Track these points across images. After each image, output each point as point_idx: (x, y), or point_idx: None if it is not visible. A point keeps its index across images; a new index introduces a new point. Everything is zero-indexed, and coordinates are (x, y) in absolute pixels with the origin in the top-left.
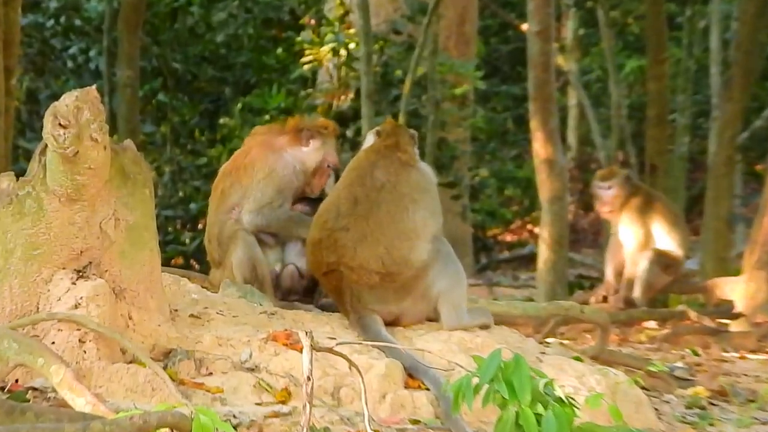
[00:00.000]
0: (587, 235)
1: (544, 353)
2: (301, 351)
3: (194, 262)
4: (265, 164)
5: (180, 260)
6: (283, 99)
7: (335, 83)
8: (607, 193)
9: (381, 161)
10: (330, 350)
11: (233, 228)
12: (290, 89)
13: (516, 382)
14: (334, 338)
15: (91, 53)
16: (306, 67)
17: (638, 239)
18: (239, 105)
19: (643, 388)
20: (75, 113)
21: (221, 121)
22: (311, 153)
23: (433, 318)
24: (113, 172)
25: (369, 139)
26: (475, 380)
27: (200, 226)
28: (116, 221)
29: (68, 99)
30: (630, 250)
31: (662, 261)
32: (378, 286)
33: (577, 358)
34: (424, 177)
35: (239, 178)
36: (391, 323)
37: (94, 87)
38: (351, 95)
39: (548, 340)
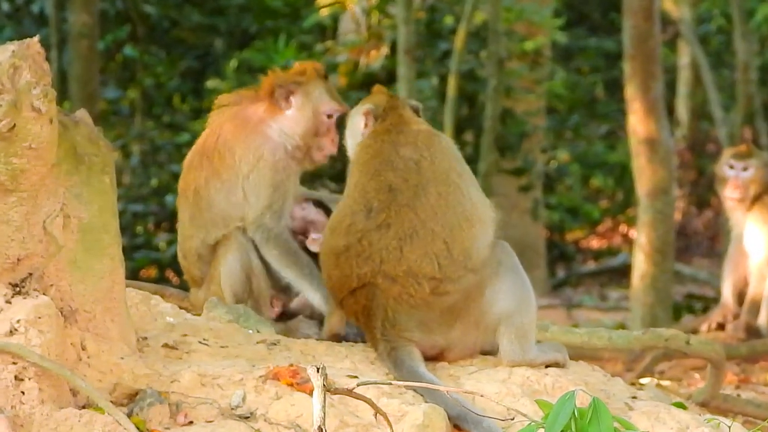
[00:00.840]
0: (701, 241)
1: (635, 398)
2: (310, 393)
3: (172, 274)
4: (247, 150)
5: (152, 271)
6: (293, 54)
7: (363, 34)
8: (742, 176)
9: (402, 137)
10: (350, 392)
11: (218, 230)
12: (303, 42)
13: None
14: (356, 376)
15: None
16: (324, 12)
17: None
18: (234, 62)
19: None
20: (10, 74)
21: (209, 84)
22: (296, 114)
23: (490, 351)
24: (62, 154)
25: (357, 122)
26: None
27: None
28: (66, 219)
29: (2, 55)
30: (758, 261)
31: None
32: (422, 306)
33: (680, 405)
34: (451, 144)
35: (216, 171)
36: (435, 358)
37: (36, 38)
38: (385, 50)
39: (643, 380)
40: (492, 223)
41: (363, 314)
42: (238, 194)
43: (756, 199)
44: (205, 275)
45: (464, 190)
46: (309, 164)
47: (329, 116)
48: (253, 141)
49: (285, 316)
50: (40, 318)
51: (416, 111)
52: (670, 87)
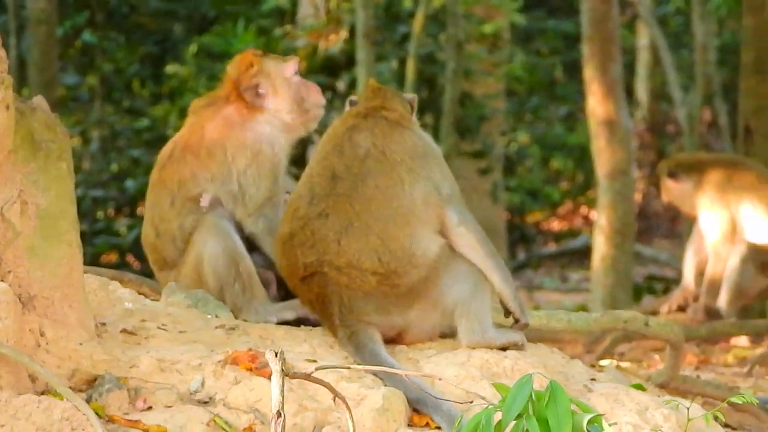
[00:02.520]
0: (661, 222)
1: (594, 380)
2: (269, 378)
3: (132, 259)
4: (241, 147)
5: (113, 256)
6: (252, 39)
7: (322, 18)
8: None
9: (363, 123)
10: (308, 377)
11: (198, 216)
12: (262, 26)
13: (552, 419)
14: (315, 360)
15: None
16: None
17: (722, 228)
18: (193, 47)
19: (726, 425)
20: None
21: (168, 69)
22: (275, 99)
23: (448, 333)
24: (19, 140)
25: (345, 110)
26: (498, 416)
27: (140, 210)
28: (23, 206)
29: None
30: (712, 242)
31: (757, 257)
32: (376, 292)
33: (639, 387)
34: (421, 138)
35: (205, 166)
36: (393, 340)
37: None
38: (344, 34)
39: (602, 362)
40: (433, 230)
41: (318, 302)
42: (233, 187)
43: (705, 178)
44: (178, 257)
45: (407, 186)
46: (312, 125)
47: (295, 74)
48: (245, 138)
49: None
50: None
51: (408, 102)
52: (629, 68)
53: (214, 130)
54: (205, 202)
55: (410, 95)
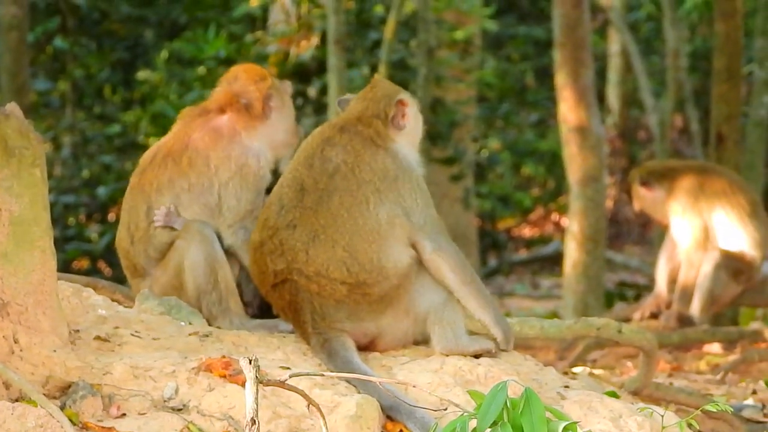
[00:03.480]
0: (633, 229)
1: (568, 387)
2: (243, 385)
3: (104, 266)
4: (225, 159)
5: (85, 263)
6: (223, 45)
7: (293, 24)
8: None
9: (338, 137)
10: (282, 384)
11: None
12: (233, 32)
13: (527, 426)
14: (289, 368)
15: None
16: (254, 2)
17: (694, 235)
18: (164, 53)
19: None
20: None
21: (140, 75)
22: (278, 116)
23: (422, 341)
24: None
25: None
26: (473, 423)
27: (112, 216)
28: None
29: None
30: (685, 249)
31: (730, 264)
32: (347, 299)
33: (612, 394)
34: (395, 161)
35: (183, 173)
36: (366, 347)
37: None
38: (315, 40)
39: (575, 369)
40: (412, 241)
41: (290, 309)
42: (211, 198)
43: (677, 185)
44: (149, 266)
45: (372, 207)
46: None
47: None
48: (231, 150)
49: (267, 314)
50: None
51: (398, 103)
52: (601, 74)
53: (200, 139)
54: (159, 216)
55: (402, 97)
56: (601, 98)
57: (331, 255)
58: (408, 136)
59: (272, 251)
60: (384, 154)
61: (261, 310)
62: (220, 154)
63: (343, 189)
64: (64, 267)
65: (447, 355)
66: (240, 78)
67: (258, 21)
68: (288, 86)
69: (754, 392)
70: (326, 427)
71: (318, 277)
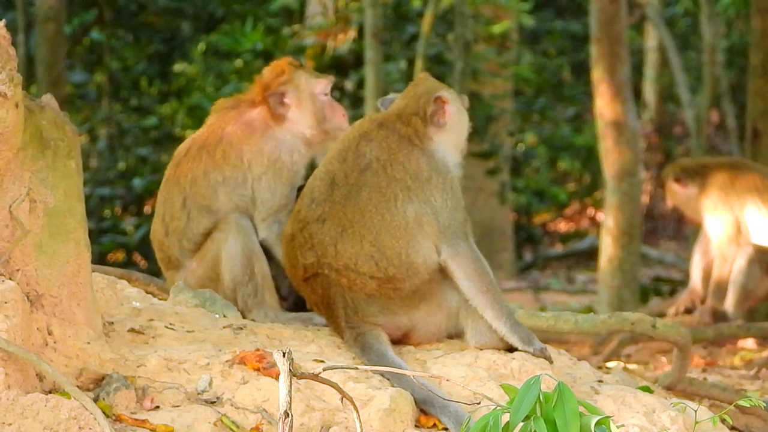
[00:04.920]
0: (668, 224)
1: (601, 381)
2: (276, 378)
3: (139, 258)
4: (258, 153)
5: (120, 255)
6: (260, 38)
7: (330, 17)
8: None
9: (375, 132)
10: (316, 377)
11: (218, 216)
12: (270, 25)
13: (559, 420)
14: (323, 361)
15: None
16: None
17: (727, 230)
18: (201, 46)
19: (733, 428)
20: None
21: (176, 67)
22: (298, 112)
23: (456, 334)
24: (27, 138)
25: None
26: (506, 417)
27: (148, 209)
28: (31, 204)
29: None
30: (718, 245)
31: (763, 259)
32: (378, 294)
33: (646, 389)
34: (431, 161)
35: (218, 166)
36: (400, 341)
37: (2, 23)
38: (352, 33)
39: (609, 364)
40: (442, 238)
41: (323, 303)
42: (245, 192)
43: (709, 182)
44: (183, 258)
45: (400, 204)
46: (331, 142)
47: (325, 94)
48: (264, 144)
49: (302, 308)
50: (6, 303)
51: (438, 100)
52: (637, 70)
53: (233, 132)
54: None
55: (447, 95)
56: (637, 93)
57: (359, 249)
58: (449, 134)
59: (302, 245)
60: (419, 154)
61: (296, 305)
62: (253, 148)
63: (372, 185)
64: (100, 259)
65: (481, 349)
66: (268, 71)
67: (295, 14)
68: (316, 83)
69: None
70: (359, 421)
71: (347, 271)
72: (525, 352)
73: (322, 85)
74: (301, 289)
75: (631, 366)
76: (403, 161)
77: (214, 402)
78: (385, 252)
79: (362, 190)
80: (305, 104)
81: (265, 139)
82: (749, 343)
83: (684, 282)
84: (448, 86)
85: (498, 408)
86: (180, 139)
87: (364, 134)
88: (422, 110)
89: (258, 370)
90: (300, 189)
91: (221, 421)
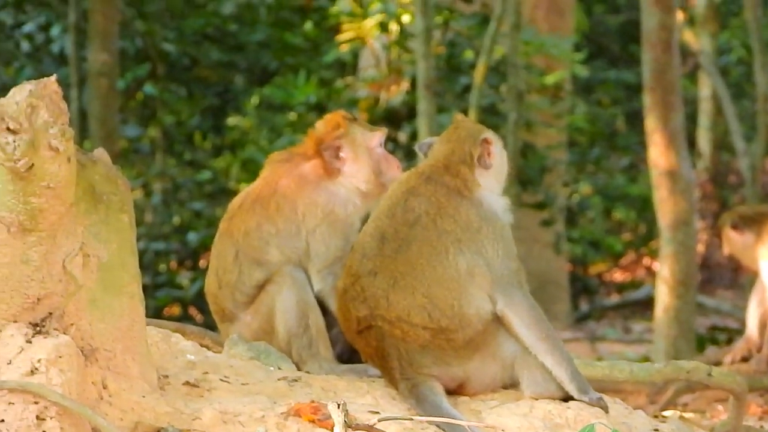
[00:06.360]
0: (724, 273)
1: (657, 430)
2: (332, 429)
3: (195, 312)
4: (312, 206)
5: (176, 309)
6: (313, 91)
7: (383, 69)
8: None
9: (422, 187)
10: (371, 428)
11: (271, 268)
12: (323, 77)
13: None
14: (378, 412)
15: (54, 31)
16: (344, 47)
17: None
18: (254, 99)
19: None
20: (28, 113)
21: (230, 121)
22: (353, 166)
23: (511, 384)
24: (80, 193)
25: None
26: None
27: (203, 263)
28: (85, 258)
29: (19, 94)
30: None
31: None
32: (431, 345)
33: None
34: (480, 211)
35: (271, 219)
36: (455, 391)
37: (54, 77)
38: (405, 85)
39: (666, 413)
40: (496, 288)
41: (377, 356)
42: (299, 244)
43: (765, 228)
44: (237, 310)
45: (451, 257)
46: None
47: (380, 147)
48: (318, 197)
49: (354, 359)
50: (60, 357)
51: (483, 143)
52: (691, 119)
53: (287, 185)
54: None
55: (490, 136)
56: (691, 142)
57: (411, 301)
58: (494, 175)
59: (354, 297)
60: (468, 205)
61: (343, 352)
62: (306, 201)
63: (422, 239)
64: (156, 313)
65: (536, 399)
66: (320, 124)
67: (348, 66)
68: (371, 136)
69: None
70: None
71: (400, 323)
72: (580, 401)
73: (377, 138)
74: (355, 343)
75: (688, 415)
76: (453, 214)
77: None
78: (438, 303)
79: (413, 244)
80: (361, 158)
81: (318, 191)
82: None
83: (740, 331)
84: (501, 136)
85: None
86: (234, 193)
87: (411, 189)
88: (469, 156)
89: (313, 421)
90: None
91: None
